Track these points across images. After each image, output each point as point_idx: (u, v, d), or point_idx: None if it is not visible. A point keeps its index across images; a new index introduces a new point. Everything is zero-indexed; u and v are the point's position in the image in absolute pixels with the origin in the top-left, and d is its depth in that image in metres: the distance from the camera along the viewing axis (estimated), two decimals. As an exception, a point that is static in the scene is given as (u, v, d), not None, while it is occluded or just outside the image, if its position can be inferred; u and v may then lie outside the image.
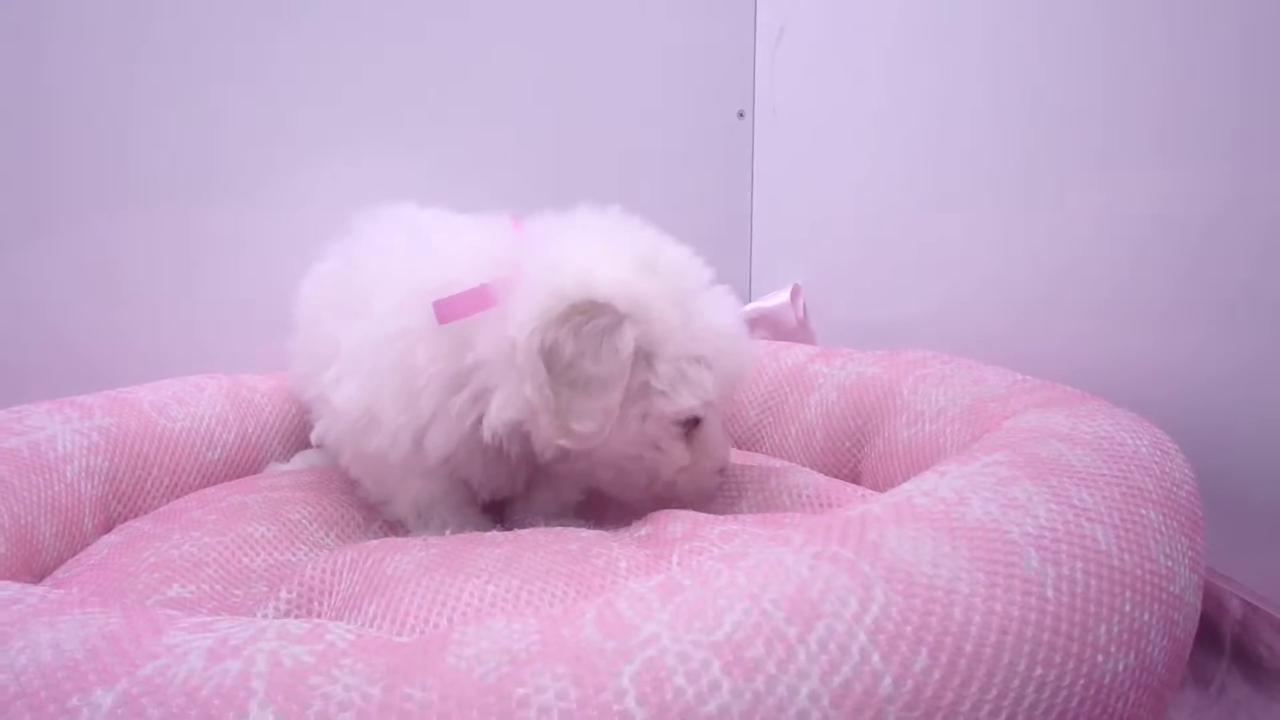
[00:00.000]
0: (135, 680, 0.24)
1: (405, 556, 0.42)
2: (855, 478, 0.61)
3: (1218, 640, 0.52)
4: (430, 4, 0.85)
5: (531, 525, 0.50)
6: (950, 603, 0.27)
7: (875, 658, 0.26)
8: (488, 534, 0.46)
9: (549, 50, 0.91)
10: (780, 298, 0.93)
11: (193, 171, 0.78)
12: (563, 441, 0.46)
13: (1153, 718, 0.32)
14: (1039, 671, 0.27)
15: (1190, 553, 0.37)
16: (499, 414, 0.47)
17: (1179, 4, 0.53)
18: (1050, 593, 0.29)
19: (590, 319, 0.45)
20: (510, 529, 0.47)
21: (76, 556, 0.50)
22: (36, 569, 0.48)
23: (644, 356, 0.47)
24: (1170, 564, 0.34)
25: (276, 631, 0.26)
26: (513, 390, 0.46)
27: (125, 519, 0.57)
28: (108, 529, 0.55)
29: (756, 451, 0.68)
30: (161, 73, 0.76)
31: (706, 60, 0.98)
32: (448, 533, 0.49)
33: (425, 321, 0.47)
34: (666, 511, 0.47)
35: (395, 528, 0.56)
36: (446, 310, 0.47)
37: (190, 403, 0.63)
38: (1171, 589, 0.34)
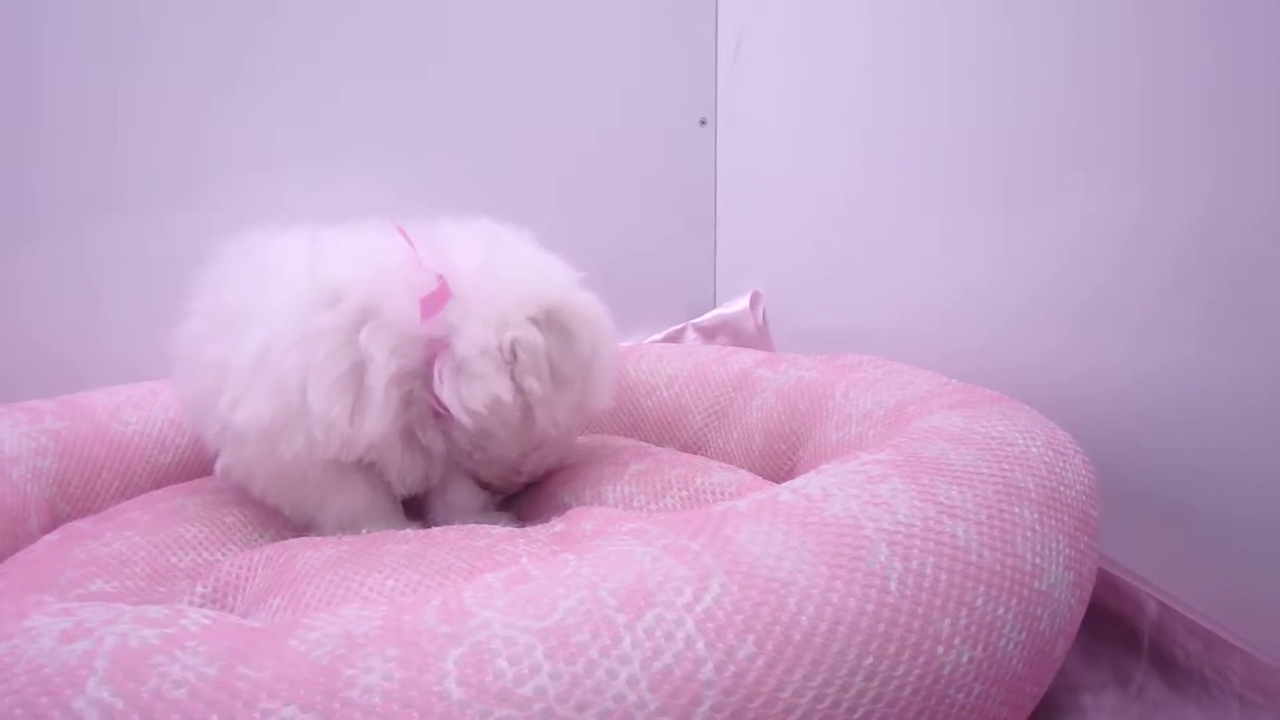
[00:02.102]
0: (-16, 659, 0.25)
1: (316, 553, 0.43)
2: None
3: (1136, 641, 0.52)
4: (395, 15, 0.87)
5: (449, 523, 0.52)
6: (785, 594, 0.28)
7: (700, 644, 0.26)
8: (400, 532, 0.47)
9: (511, 57, 0.92)
10: (740, 305, 0.94)
11: (169, 180, 0.80)
12: (552, 431, 0.54)
13: (1010, 710, 0.33)
14: (869, 661, 0.28)
15: (1070, 551, 0.37)
16: (472, 403, 0.50)
17: (1156, 12, 0.53)
18: (893, 585, 0.30)
19: (563, 324, 0.52)
20: (428, 527, 0.49)
21: (17, 554, 0.52)
22: (-24, 565, 0.50)
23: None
24: (1039, 561, 0.35)
25: (133, 616, 0.28)
26: (490, 383, 0.50)
27: (73, 519, 0.59)
28: (54, 528, 0.57)
29: (701, 455, 0.69)
30: (144, 82, 0.77)
31: (668, 67, 0.99)
32: (365, 531, 0.50)
33: (354, 318, 0.49)
34: (584, 509, 0.48)
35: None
36: (428, 307, 0.50)
37: (144, 407, 0.65)
38: (1037, 585, 0.34)
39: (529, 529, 0.48)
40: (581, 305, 0.54)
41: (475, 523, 0.53)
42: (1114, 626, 0.53)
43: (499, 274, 0.52)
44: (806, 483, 0.35)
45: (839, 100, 0.83)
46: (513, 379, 0.51)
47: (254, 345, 0.48)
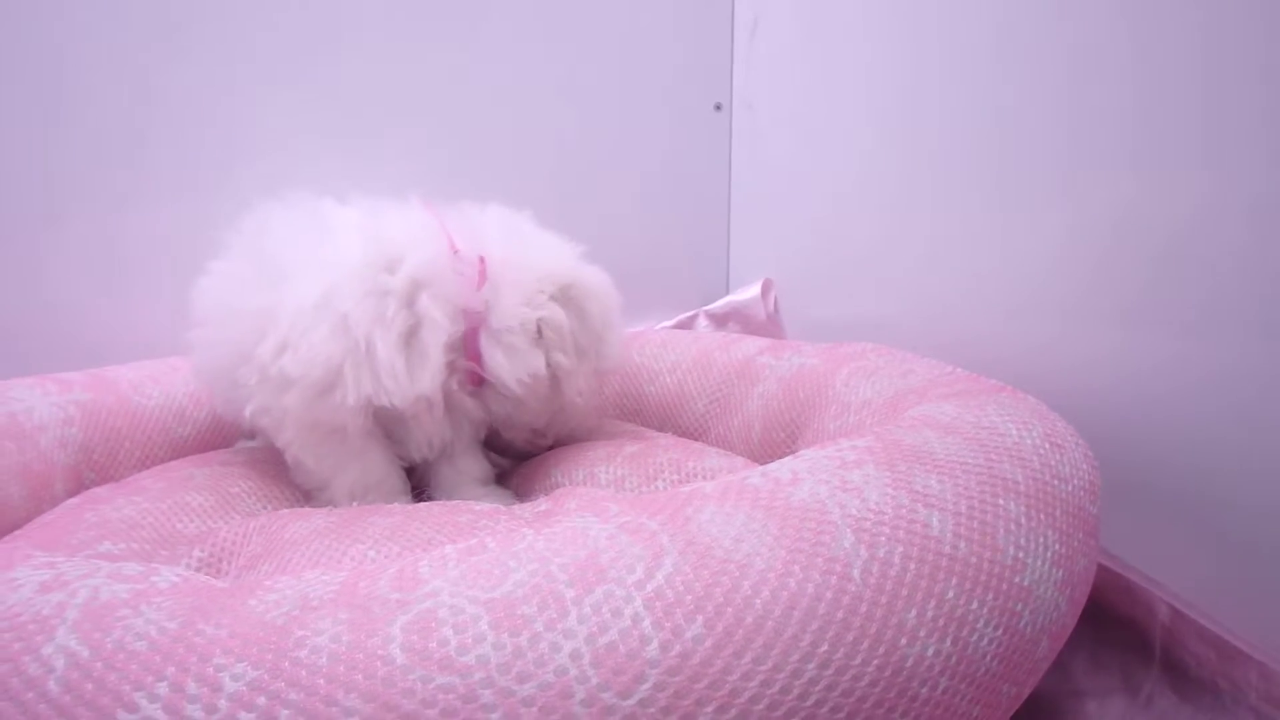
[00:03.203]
0: (-37, 607, 0.26)
1: (305, 523, 0.44)
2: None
3: (1147, 647, 0.50)
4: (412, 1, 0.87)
5: (453, 492, 0.58)
6: (741, 576, 0.28)
7: (647, 623, 0.26)
8: (386, 505, 0.48)
9: (525, 40, 0.91)
10: (751, 292, 0.93)
11: (194, 165, 0.82)
12: (578, 399, 0.60)
13: (984, 710, 0.32)
14: (824, 648, 0.27)
15: (1060, 547, 0.36)
16: (512, 371, 0.56)
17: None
18: (857, 573, 0.29)
19: (577, 300, 0.58)
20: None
21: (40, 516, 0.54)
22: (3, 526, 0.52)
23: None
24: (1021, 555, 0.34)
25: (109, 572, 0.29)
26: (528, 357, 0.56)
27: (96, 485, 0.61)
28: (78, 494, 0.59)
29: (700, 442, 0.69)
30: (173, 67, 0.80)
31: (683, 51, 0.97)
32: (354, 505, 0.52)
33: (408, 285, 0.52)
34: (570, 489, 0.49)
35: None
36: (473, 285, 0.55)
37: (165, 382, 0.68)
38: (1019, 580, 0.33)
39: (514, 507, 0.48)
40: (589, 280, 0.59)
41: (477, 495, 0.57)
42: (1123, 631, 0.51)
43: (521, 255, 0.57)
44: (779, 467, 0.35)
45: (856, 87, 0.81)
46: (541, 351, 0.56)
47: (316, 293, 0.50)
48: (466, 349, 0.56)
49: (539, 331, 0.56)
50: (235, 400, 0.55)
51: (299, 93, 0.85)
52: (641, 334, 0.82)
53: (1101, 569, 0.52)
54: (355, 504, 0.55)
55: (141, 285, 0.82)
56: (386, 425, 0.56)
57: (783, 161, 0.92)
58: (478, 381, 0.57)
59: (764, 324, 0.92)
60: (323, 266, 0.52)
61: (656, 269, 1.00)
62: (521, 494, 0.60)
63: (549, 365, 0.57)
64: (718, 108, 0.99)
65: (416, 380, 0.52)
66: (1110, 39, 0.55)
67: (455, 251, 0.55)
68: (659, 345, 0.76)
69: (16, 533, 0.52)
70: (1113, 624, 0.52)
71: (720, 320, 0.97)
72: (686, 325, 0.99)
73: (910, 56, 0.74)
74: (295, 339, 0.50)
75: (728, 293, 1.00)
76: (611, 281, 0.61)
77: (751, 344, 0.70)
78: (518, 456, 0.66)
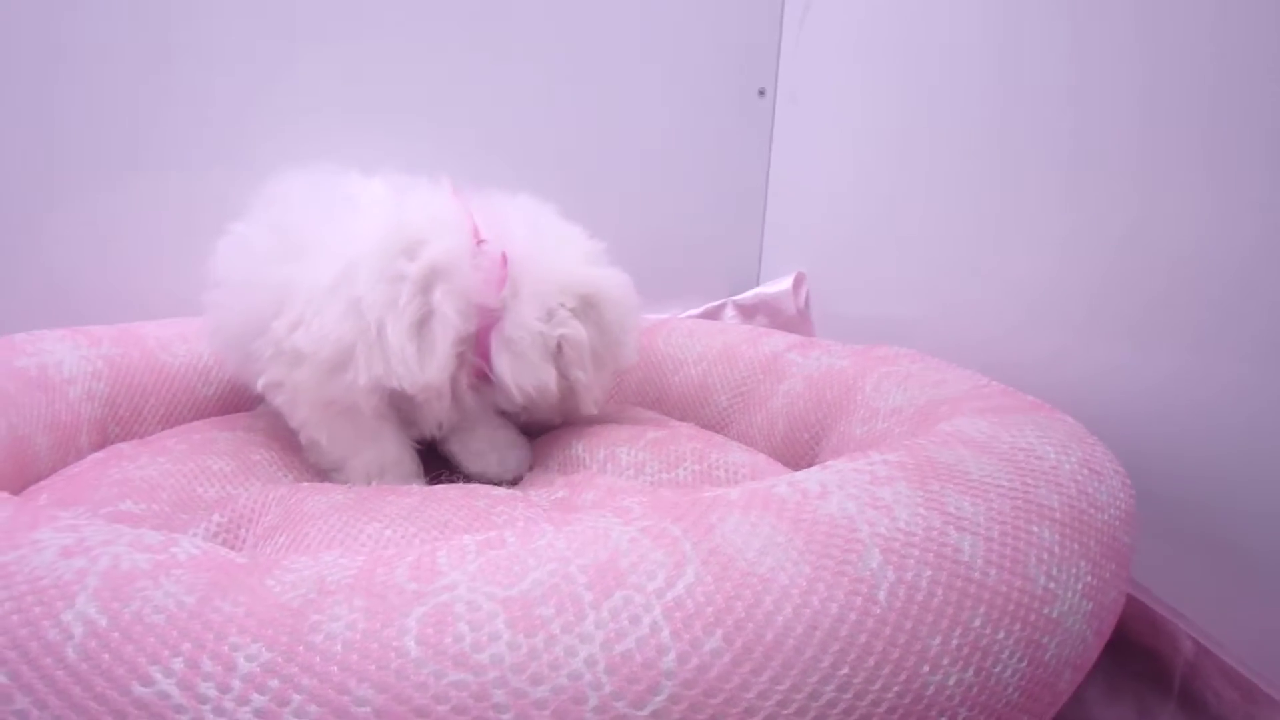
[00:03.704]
0: (-10, 565, 0.26)
1: (324, 497, 0.44)
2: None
3: (1167, 681, 0.49)
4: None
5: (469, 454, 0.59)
6: (763, 590, 0.27)
7: (665, 632, 0.26)
8: (405, 486, 0.48)
9: (565, 16, 0.89)
10: (782, 285, 0.91)
11: (224, 132, 0.81)
12: (593, 411, 0.60)
13: (1000, 740, 0.31)
14: (844, 671, 0.27)
15: (1092, 578, 0.35)
16: (522, 382, 0.55)
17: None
18: (883, 595, 0.28)
19: (598, 311, 0.57)
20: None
21: (66, 468, 0.55)
22: (29, 476, 0.53)
23: None
24: (1053, 586, 0.33)
25: (130, 540, 0.29)
26: (539, 369, 0.55)
27: (120, 440, 0.62)
28: (102, 447, 0.60)
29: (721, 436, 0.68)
30: (208, 37, 0.80)
31: (728, 34, 0.94)
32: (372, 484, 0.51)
33: (426, 273, 0.51)
34: (589, 476, 0.48)
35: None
36: (491, 285, 0.54)
37: (192, 341, 0.68)
38: (1047, 612, 0.32)
39: (530, 493, 0.48)
40: (610, 287, 0.58)
41: (499, 454, 0.59)
42: (1143, 662, 0.50)
43: (543, 256, 0.56)
44: (807, 477, 0.34)
45: (904, 84, 0.79)
46: (557, 366, 0.56)
47: (332, 272, 0.50)
48: (478, 346, 0.55)
49: (559, 348, 0.56)
50: (248, 369, 0.55)
51: (324, 63, 0.83)
52: (667, 322, 0.81)
53: (1126, 597, 0.50)
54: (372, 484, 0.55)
55: (171, 246, 0.81)
56: (398, 405, 0.56)
57: (823, 154, 0.90)
58: (485, 377, 0.57)
59: (793, 319, 0.91)
60: (342, 244, 0.51)
61: (687, 255, 0.98)
62: (539, 459, 0.60)
63: (567, 379, 0.57)
64: (761, 94, 0.96)
65: (425, 369, 0.51)
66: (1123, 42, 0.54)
67: (479, 243, 0.54)
68: (685, 334, 0.75)
69: (42, 482, 0.53)
70: (1132, 653, 0.50)
71: (748, 312, 0.95)
72: (713, 315, 0.98)
73: (963, 59, 0.71)
74: (309, 316, 0.50)
75: (758, 284, 0.98)
76: (631, 283, 0.60)
77: (780, 339, 0.69)
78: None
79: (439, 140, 0.87)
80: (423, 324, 0.52)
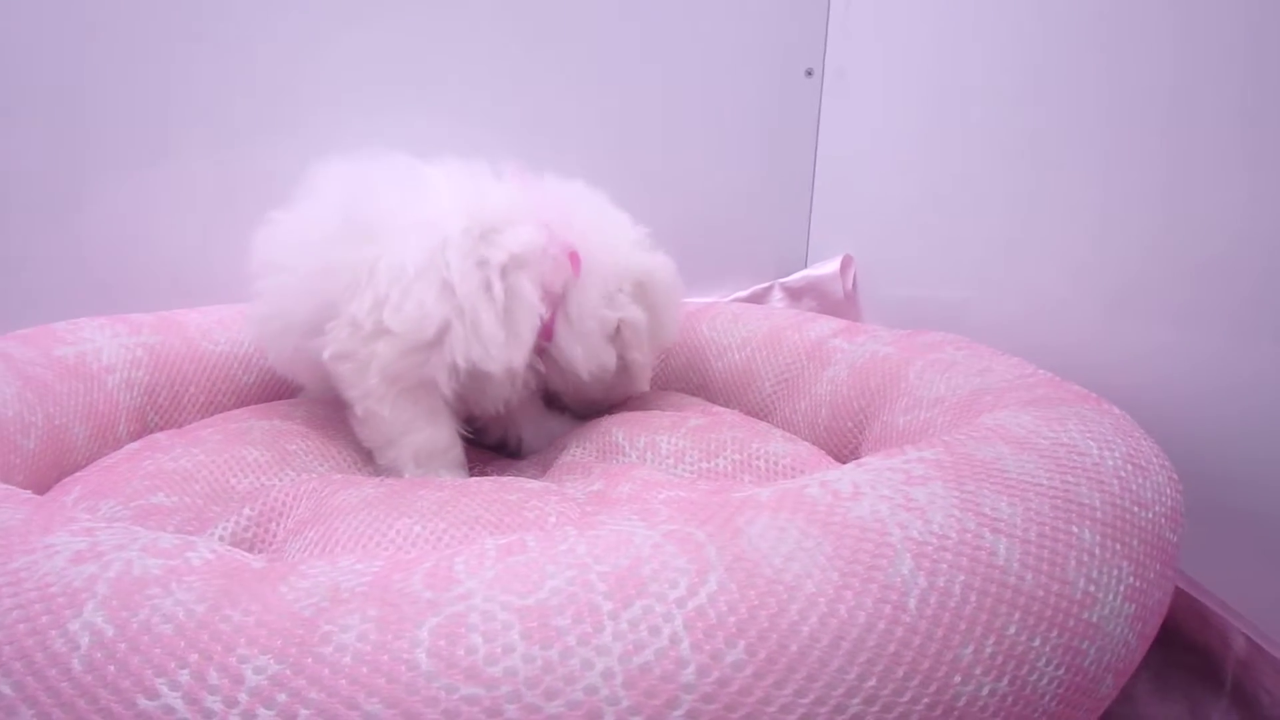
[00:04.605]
0: (3, 571, 0.27)
1: (355, 491, 0.44)
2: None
3: (1219, 679, 0.47)
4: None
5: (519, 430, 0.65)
6: (789, 599, 0.26)
7: (685, 644, 0.25)
8: (436, 479, 0.48)
9: None
10: (830, 267, 0.88)
11: (270, 115, 0.81)
12: (645, 389, 0.65)
13: (1038, 750, 0.30)
14: (871, 683, 0.25)
15: (1135, 580, 0.33)
16: (586, 364, 0.59)
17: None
18: (913, 603, 0.27)
19: (650, 295, 0.61)
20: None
21: (102, 459, 0.56)
22: (66, 466, 0.54)
23: None
24: (1094, 590, 0.31)
25: (144, 544, 0.29)
26: (601, 351, 0.60)
27: (160, 429, 0.63)
28: (141, 436, 0.61)
29: (765, 423, 0.67)
30: (261, 20, 0.79)
31: (775, 10, 0.91)
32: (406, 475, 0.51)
33: (504, 260, 0.54)
34: (626, 468, 0.47)
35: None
36: (561, 274, 0.57)
37: (233, 328, 0.68)
38: (1087, 616, 0.30)
39: (566, 486, 0.48)
40: (661, 273, 0.62)
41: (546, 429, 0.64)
42: (1195, 658, 0.48)
43: (602, 244, 0.60)
44: (840, 476, 0.32)
45: (955, 64, 0.75)
46: (615, 347, 0.60)
47: (420, 256, 0.51)
48: (543, 329, 0.57)
49: (617, 330, 0.59)
50: (305, 349, 0.55)
51: (364, 43, 0.82)
52: (712, 306, 0.79)
53: (1175, 591, 0.48)
54: (419, 470, 0.56)
55: (215, 230, 0.81)
56: (470, 384, 0.56)
57: (873, 134, 0.87)
58: (542, 355, 0.60)
59: (840, 302, 0.88)
60: (423, 229, 0.53)
61: (734, 236, 0.96)
62: (579, 441, 0.60)
63: (624, 359, 0.61)
64: (809, 73, 0.93)
65: (512, 352, 0.54)
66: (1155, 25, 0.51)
67: (552, 236, 0.56)
68: (730, 319, 0.74)
69: (78, 474, 0.54)
70: (1184, 649, 0.48)
71: (796, 294, 0.93)
72: (760, 297, 0.96)
73: (1008, 38, 0.68)
74: (397, 297, 0.51)
75: (805, 266, 0.95)
76: (675, 266, 0.63)
77: (825, 324, 0.67)
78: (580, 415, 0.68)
79: (483, 122, 0.86)
80: (509, 309, 0.54)
